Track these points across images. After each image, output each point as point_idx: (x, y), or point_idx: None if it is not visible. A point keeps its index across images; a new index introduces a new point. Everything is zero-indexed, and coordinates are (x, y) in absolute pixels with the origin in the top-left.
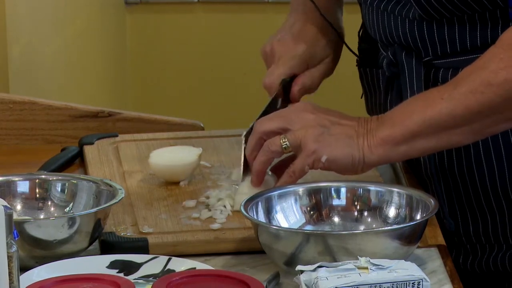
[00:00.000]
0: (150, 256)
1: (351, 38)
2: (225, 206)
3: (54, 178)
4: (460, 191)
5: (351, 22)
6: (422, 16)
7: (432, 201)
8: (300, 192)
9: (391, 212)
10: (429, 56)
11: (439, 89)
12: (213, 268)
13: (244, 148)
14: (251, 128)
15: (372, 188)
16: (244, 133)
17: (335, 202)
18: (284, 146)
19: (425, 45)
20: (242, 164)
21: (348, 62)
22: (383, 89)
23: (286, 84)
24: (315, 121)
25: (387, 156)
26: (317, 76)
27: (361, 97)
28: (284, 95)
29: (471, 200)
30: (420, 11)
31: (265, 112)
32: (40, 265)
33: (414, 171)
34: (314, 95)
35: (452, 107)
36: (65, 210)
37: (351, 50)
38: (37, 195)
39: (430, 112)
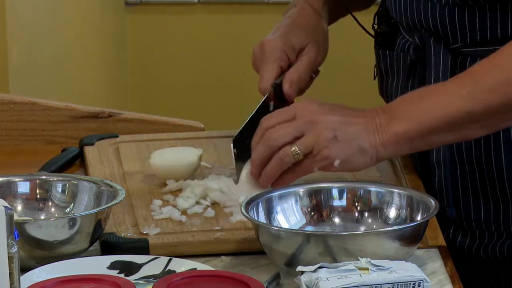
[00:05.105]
0: (150, 257)
1: (355, 38)
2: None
3: (55, 179)
4: (466, 178)
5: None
6: (456, 2)
7: (433, 202)
8: (301, 193)
9: (392, 213)
10: (458, 43)
11: (456, 83)
12: (213, 269)
13: (235, 154)
14: (240, 134)
15: (373, 189)
16: (234, 138)
17: (336, 203)
18: (295, 155)
19: (454, 32)
20: (235, 168)
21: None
22: (404, 73)
23: (277, 86)
24: (324, 125)
25: (400, 151)
26: (302, 69)
27: (374, 79)
28: (278, 97)
29: (476, 186)
30: None
31: (256, 116)
32: (40, 266)
33: (419, 156)
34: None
35: (471, 105)
36: (66, 210)
37: (367, 31)
38: (38, 196)
39: (449, 110)
